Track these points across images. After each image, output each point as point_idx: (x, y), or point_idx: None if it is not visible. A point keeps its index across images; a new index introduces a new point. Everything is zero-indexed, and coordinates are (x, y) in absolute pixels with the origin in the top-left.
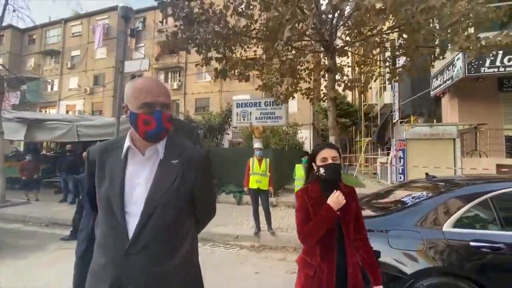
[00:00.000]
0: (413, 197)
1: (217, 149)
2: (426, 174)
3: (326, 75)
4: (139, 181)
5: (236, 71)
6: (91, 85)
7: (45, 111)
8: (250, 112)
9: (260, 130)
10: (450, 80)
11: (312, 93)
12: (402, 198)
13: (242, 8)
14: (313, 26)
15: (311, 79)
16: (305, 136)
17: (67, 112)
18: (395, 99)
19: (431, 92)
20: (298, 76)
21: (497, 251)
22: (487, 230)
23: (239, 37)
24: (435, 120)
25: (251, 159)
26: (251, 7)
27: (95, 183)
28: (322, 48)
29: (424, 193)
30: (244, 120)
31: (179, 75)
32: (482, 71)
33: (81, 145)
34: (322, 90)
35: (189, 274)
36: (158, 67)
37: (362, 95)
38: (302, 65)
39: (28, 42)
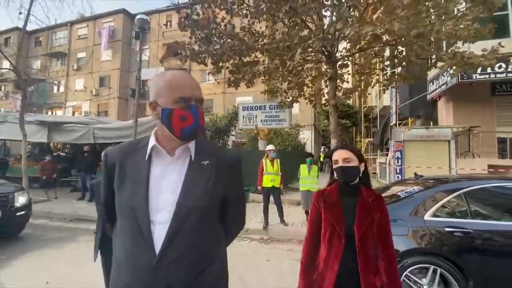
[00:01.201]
0: (404, 193)
1: (226, 150)
2: (415, 174)
3: (328, 83)
4: (166, 185)
5: (245, 78)
6: (96, 87)
7: (52, 113)
8: (256, 115)
9: (265, 132)
10: (445, 85)
11: (314, 99)
12: (396, 193)
13: (254, 28)
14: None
15: (313, 85)
16: (307, 137)
17: (73, 113)
18: (392, 103)
19: (428, 96)
20: (302, 83)
21: (467, 234)
22: (459, 219)
23: (250, 51)
24: (431, 123)
25: (263, 160)
26: (261, 26)
27: (115, 189)
28: (324, 58)
29: (411, 189)
30: (249, 122)
31: None
32: (474, 77)
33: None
34: (324, 96)
35: (226, 285)
36: (163, 68)
37: (362, 98)
38: (306, 74)
39: (34, 44)
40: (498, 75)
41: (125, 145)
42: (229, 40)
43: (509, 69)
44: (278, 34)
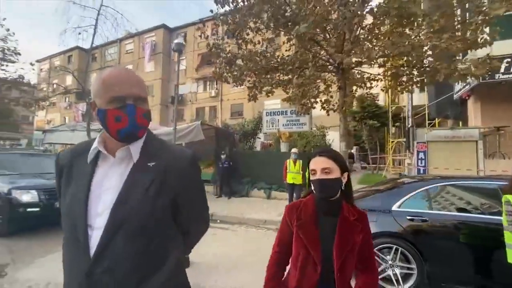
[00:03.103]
0: (384, 188)
1: (251, 151)
2: (399, 173)
3: (338, 92)
4: (107, 188)
5: (263, 90)
6: None
7: None
8: (278, 120)
9: (287, 135)
10: (468, 85)
11: (327, 106)
12: (376, 189)
13: (268, 51)
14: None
15: (330, 91)
16: (333, 138)
17: None
18: (408, 106)
19: (454, 96)
20: (316, 92)
21: (424, 222)
22: (419, 209)
23: (264, 70)
24: (461, 123)
25: (287, 160)
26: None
27: (61, 192)
28: (332, 68)
29: (389, 186)
30: (272, 126)
31: (216, 84)
32: (497, 77)
33: None
34: (336, 103)
35: None
36: (198, 76)
37: (389, 97)
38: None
39: (91, 60)
40: None
41: (77, 146)
42: (246, 61)
43: None
44: (290, 51)
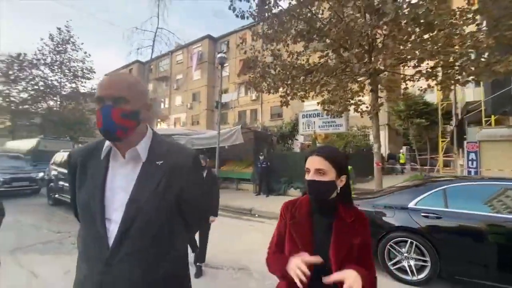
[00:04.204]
0: (403, 187)
1: (288, 153)
2: (425, 174)
3: (370, 94)
4: (120, 185)
5: (298, 95)
6: (190, 102)
7: (160, 124)
8: (314, 122)
9: (322, 136)
10: None
11: (360, 108)
12: (396, 188)
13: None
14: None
15: (363, 94)
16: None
17: (174, 124)
18: (453, 104)
19: None
20: (350, 94)
21: (438, 218)
22: (435, 207)
23: (296, 79)
24: None
25: None
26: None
27: (76, 188)
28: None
29: (409, 184)
30: (308, 128)
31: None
32: None
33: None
34: (370, 105)
35: (181, 284)
36: (240, 81)
37: (441, 93)
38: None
39: (147, 71)
40: None
41: (89, 145)
42: (279, 69)
43: None
44: (322, 58)
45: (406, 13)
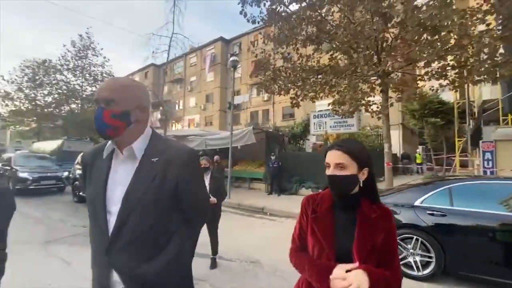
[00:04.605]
0: (411, 186)
1: (299, 153)
2: (432, 174)
3: (381, 95)
4: (120, 181)
5: (308, 96)
6: (204, 103)
7: (175, 125)
8: (325, 122)
9: (334, 136)
10: None
11: (370, 109)
12: (404, 186)
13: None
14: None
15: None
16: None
17: (188, 124)
18: (468, 102)
19: None
20: (360, 95)
21: (443, 216)
22: (440, 205)
23: (306, 81)
24: None
25: None
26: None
27: (85, 186)
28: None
29: (417, 183)
30: (320, 128)
31: None
32: None
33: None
34: (381, 105)
35: (180, 278)
36: (252, 82)
37: (457, 92)
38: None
39: (162, 73)
40: None
41: (97, 146)
42: (289, 74)
43: None
44: (332, 60)
45: (412, 17)
